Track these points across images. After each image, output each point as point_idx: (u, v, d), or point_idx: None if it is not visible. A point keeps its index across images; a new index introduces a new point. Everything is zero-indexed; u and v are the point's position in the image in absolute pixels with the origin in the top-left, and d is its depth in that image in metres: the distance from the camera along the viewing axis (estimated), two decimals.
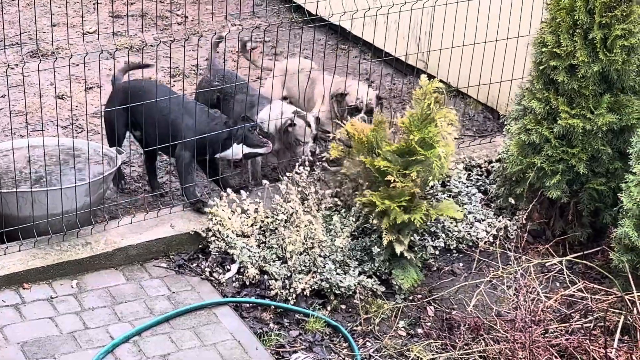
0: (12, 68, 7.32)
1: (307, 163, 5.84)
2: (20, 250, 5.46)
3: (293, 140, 6.18)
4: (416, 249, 5.68)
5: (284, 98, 6.76)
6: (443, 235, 5.84)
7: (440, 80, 5.68)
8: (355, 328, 5.29)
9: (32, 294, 5.30)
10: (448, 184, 6.18)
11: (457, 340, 5.08)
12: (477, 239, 5.86)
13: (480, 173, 6.41)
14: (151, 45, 7.71)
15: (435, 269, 5.76)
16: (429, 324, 5.33)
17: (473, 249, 5.80)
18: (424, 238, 5.77)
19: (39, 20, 8.31)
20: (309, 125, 6.18)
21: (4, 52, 7.75)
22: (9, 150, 5.82)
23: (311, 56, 7.24)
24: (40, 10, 8.48)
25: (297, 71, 6.58)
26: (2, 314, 5.15)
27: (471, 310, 5.27)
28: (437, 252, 5.77)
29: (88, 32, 8.13)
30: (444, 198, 5.93)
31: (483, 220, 5.98)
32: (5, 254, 5.43)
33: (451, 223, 5.88)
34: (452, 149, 5.60)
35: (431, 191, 5.91)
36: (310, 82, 6.49)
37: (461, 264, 5.81)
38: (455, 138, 5.62)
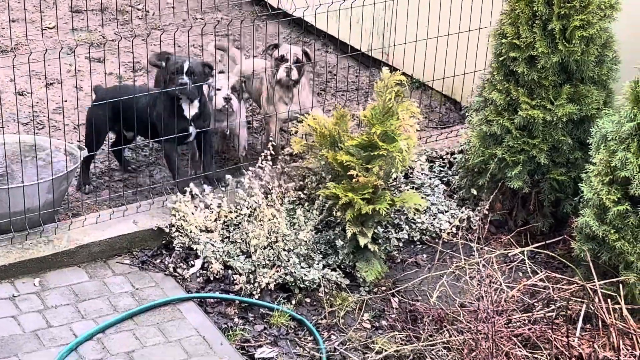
0: None
1: (269, 157, 5.82)
2: None
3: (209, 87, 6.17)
4: (380, 241, 5.70)
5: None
6: (406, 227, 5.86)
7: (403, 73, 5.70)
8: (320, 321, 5.30)
9: None
10: (411, 175, 6.21)
11: (421, 332, 5.11)
12: (440, 230, 5.89)
13: (442, 165, 6.44)
14: (112, 40, 7.66)
15: (399, 260, 5.78)
16: (393, 316, 5.35)
17: (436, 240, 5.83)
18: (388, 230, 5.79)
19: None
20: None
21: None
22: None
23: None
24: None
25: (252, 72, 6.57)
26: None
27: (435, 302, 5.30)
28: (400, 244, 5.79)
29: (47, 28, 8.06)
30: (407, 190, 5.95)
31: (446, 211, 6.01)
32: None
33: (414, 215, 5.90)
34: (415, 141, 5.62)
35: (394, 183, 5.93)
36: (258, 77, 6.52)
37: (425, 256, 5.83)
38: (417, 130, 5.64)
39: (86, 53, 7.44)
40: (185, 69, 5.88)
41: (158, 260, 5.62)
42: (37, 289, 5.33)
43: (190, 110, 5.97)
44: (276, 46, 6.42)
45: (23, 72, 7.16)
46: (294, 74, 6.30)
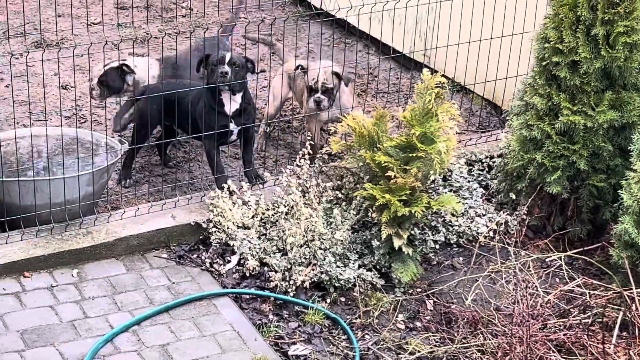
0: (17, 58, 7.35)
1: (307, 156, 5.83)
2: (22, 240, 5.48)
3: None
4: (416, 243, 5.69)
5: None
6: (443, 229, 5.85)
7: (444, 76, 5.70)
8: (354, 321, 5.30)
9: (33, 283, 5.32)
10: (449, 178, 6.19)
11: (455, 334, 5.10)
12: (477, 233, 5.87)
13: (481, 168, 6.42)
14: (156, 37, 7.72)
15: (435, 263, 5.77)
16: (427, 317, 5.34)
17: (473, 243, 5.81)
18: (425, 232, 5.78)
19: (43, 10, 8.32)
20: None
21: (8, 42, 7.77)
22: (12, 139, 5.85)
23: (319, 50, 7.25)
24: (45, 1, 8.50)
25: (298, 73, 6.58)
26: (2, 302, 5.17)
27: (470, 305, 5.29)
28: (437, 247, 5.78)
29: (92, 23, 8.15)
30: (445, 192, 5.94)
31: (483, 215, 5.99)
32: (7, 243, 5.45)
33: (452, 217, 5.89)
34: (454, 143, 5.61)
35: (432, 185, 5.92)
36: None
37: (461, 259, 5.82)
38: (457, 133, 5.63)
39: (130, 49, 7.52)
40: (227, 60, 5.90)
41: (195, 255, 5.66)
42: (75, 279, 5.39)
43: (231, 105, 5.98)
44: (303, 68, 6.39)
45: (67, 67, 7.25)
46: (324, 105, 6.30)
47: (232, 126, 6.02)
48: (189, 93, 6.03)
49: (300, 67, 6.40)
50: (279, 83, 6.66)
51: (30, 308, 5.15)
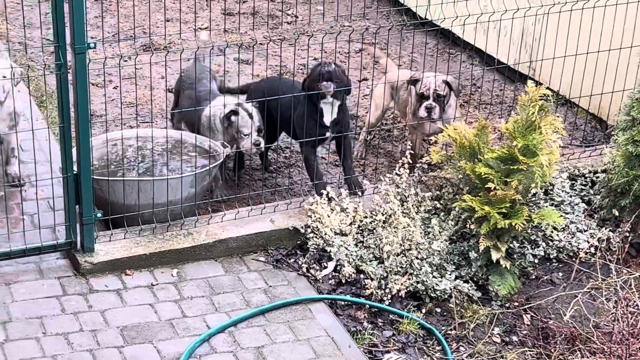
0: (125, 60, 7.52)
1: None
2: (124, 238, 5.61)
3: (235, 131, 6.07)
4: (515, 256, 5.63)
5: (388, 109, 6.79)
6: (543, 244, 5.77)
7: (549, 88, 5.62)
8: (449, 332, 5.27)
9: (134, 281, 5.44)
10: (551, 192, 6.10)
11: (552, 350, 5.03)
12: (578, 249, 5.77)
13: (584, 183, 6.31)
14: (261, 44, 7.82)
15: (533, 277, 5.70)
16: (524, 332, 5.28)
17: (573, 259, 5.72)
18: (524, 246, 5.71)
19: (152, 15, 8.51)
20: (251, 117, 6.05)
21: (118, 44, 7.96)
22: (118, 140, 5.99)
23: (423, 60, 7.24)
24: (154, 6, 8.69)
25: (397, 82, 6.57)
26: (104, 298, 5.29)
27: (568, 321, 5.20)
28: (536, 261, 5.70)
29: (200, 28, 8.29)
30: (546, 206, 5.86)
31: (585, 230, 5.88)
32: (110, 241, 5.58)
33: (552, 232, 5.80)
34: (556, 157, 5.53)
35: (533, 199, 5.84)
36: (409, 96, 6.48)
37: (560, 274, 5.73)
38: (560, 146, 5.56)
39: (235, 54, 7.63)
40: (330, 75, 5.94)
41: (292, 260, 5.70)
42: (174, 279, 5.49)
43: (331, 115, 6.03)
44: (416, 81, 6.36)
45: (174, 70, 7.39)
46: (436, 113, 6.26)
47: (328, 134, 6.06)
48: (291, 94, 6.07)
49: (414, 81, 6.36)
50: (381, 92, 6.67)
51: (131, 305, 5.26)
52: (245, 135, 6.05)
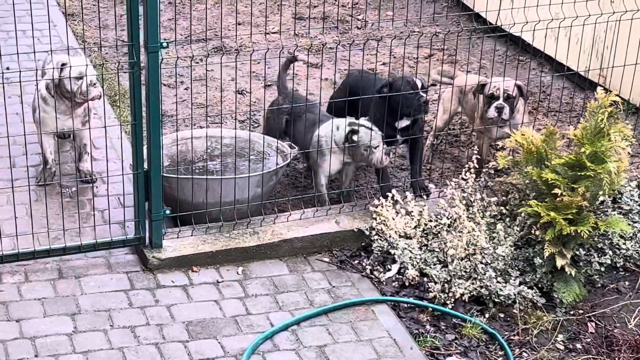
0: (197, 62, 7.64)
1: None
2: (192, 235, 5.70)
3: (363, 149, 5.95)
4: (581, 263, 5.59)
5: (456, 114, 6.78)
6: (610, 252, 5.71)
7: (619, 96, 5.58)
8: (512, 337, 5.25)
9: (200, 277, 5.52)
10: (619, 200, 6.04)
11: (616, 358, 4.98)
12: None
13: None
14: (330, 48, 7.88)
15: (599, 285, 5.65)
16: (588, 339, 5.24)
17: None
18: (590, 253, 5.66)
19: (224, 18, 8.62)
20: (371, 129, 5.94)
21: (190, 46, 8.09)
22: (188, 139, 6.09)
23: (491, 67, 7.22)
24: (226, 9, 8.81)
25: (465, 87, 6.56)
26: (170, 293, 5.38)
27: (633, 329, 5.15)
28: (602, 269, 5.65)
29: (271, 32, 8.38)
30: (614, 214, 5.80)
31: None
32: (178, 237, 5.68)
33: (620, 240, 5.75)
34: (625, 164, 5.48)
35: (600, 206, 5.79)
36: (478, 101, 6.46)
37: (627, 283, 5.67)
38: (629, 154, 5.50)
39: (305, 58, 7.68)
40: (419, 86, 5.98)
41: (356, 261, 5.73)
42: (239, 277, 5.56)
43: (404, 121, 6.06)
44: (483, 86, 6.32)
45: (244, 73, 7.49)
46: (506, 113, 6.21)
47: (399, 137, 6.10)
48: (371, 91, 6.09)
49: (480, 86, 6.34)
50: (449, 97, 6.67)
51: (196, 301, 5.34)
52: (375, 148, 5.92)
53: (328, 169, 6.04)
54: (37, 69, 5.82)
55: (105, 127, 5.83)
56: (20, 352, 4.89)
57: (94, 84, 5.90)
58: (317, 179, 6.10)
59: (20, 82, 5.35)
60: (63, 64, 5.82)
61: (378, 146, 5.92)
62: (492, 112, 6.21)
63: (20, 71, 5.23)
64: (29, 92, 6.77)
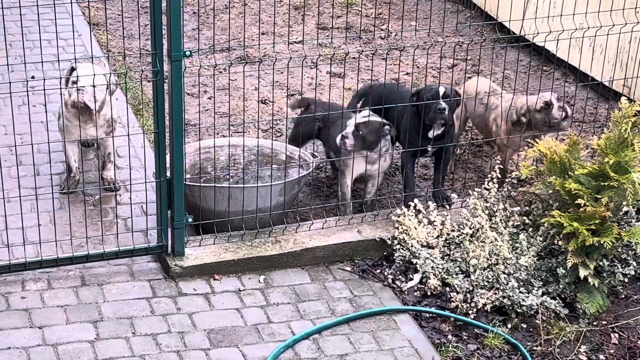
0: (220, 72, 7.67)
1: (495, 180, 5.80)
2: (214, 243, 5.71)
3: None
4: (604, 274, 5.55)
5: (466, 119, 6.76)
6: (634, 263, 5.67)
7: None
8: (534, 348, 5.22)
9: (222, 285, 5.53)
10: None
11: None
12: None
13: None
14: (353, 58, 7.89)
15: (623, 296, 5.62)
16: (611, 350, 5.20)
17: None
18: (614, 264, 5.63)
19: (248, 28, 8.65)
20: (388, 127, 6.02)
21: (214, 56, 8.12)
22: (211, 148, 6.11)
23: (515, 77, 7.20)
24: (250, 19, 8.84)
25: (477, 92, 6.54)
26: (192, 301, 5.40)
27: None
28: (626, 280, 5.61)
29: (294, 42, 8.40)
30: (638, 225, 5.76)
31: None
32: (200, 245, 5.69)
33: None
34: None
35: (624, 217, 5.76)
36: (487, 108, 6.44)
37: None
38: None
39: (328, 68, 7.70)
40: (441, 94, 5.97)
41: (378, 271, 5.73)
42: (261, 285, 5.56)
43: (435, 131, 6.06)
44: (548, 104, 6.23)
45: (267, 82, 7.51)
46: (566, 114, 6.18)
47: (429, 147, 6.08)
48: (399, 102, 6.09)
49: (545, 102, 6.27)
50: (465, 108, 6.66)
51: (218, 309, 5.35)
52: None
53: (352, 167, 6.05)
54: (61, 78, 5.86)
55: (128, 135, 5.86)
56: (42, 359, 4.91)
57: (81, 90, 5.82)
58: (342, 179, 6.11)
59: (44, 90, 5.39)
60: (72, 69, 5.85)
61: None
62: (556, 113, 6.18)
63: (44, 79, 5.27)
64: (53, 101, 6.83)
